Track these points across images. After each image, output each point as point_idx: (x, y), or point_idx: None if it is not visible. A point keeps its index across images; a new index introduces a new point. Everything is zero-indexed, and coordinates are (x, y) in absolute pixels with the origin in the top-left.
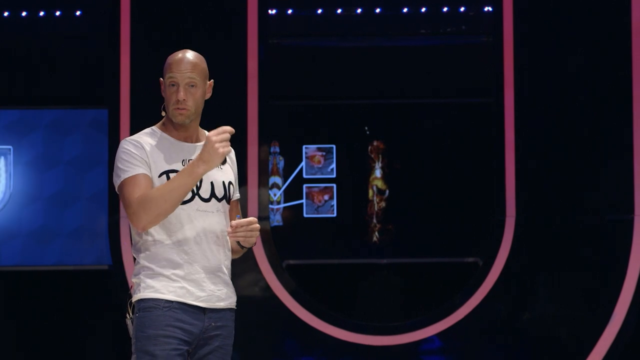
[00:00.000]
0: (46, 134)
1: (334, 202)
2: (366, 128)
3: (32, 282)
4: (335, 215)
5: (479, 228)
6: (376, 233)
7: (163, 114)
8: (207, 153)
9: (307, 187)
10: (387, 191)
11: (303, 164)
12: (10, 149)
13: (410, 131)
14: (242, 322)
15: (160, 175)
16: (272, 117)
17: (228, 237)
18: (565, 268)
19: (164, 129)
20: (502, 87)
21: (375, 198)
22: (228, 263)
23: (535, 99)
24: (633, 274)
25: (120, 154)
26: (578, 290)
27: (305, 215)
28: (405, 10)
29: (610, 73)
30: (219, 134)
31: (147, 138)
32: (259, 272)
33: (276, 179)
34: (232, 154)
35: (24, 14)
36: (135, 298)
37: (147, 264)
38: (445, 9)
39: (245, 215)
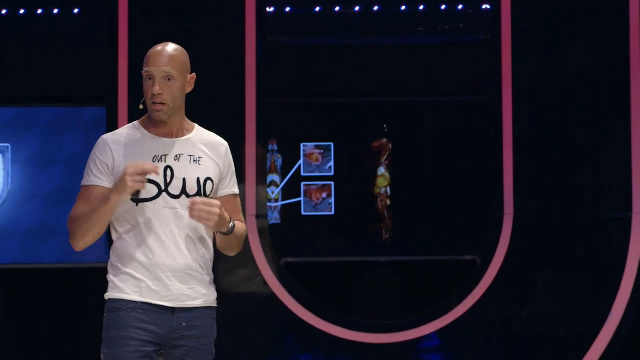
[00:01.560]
0: (44, 132)
1: (332, 200)
2: (385, 125)
3: (30, 280)
4: (333, 213)
5: (477, 226)
6: (375, 231)
7: (141, 107)
8: (120, 184)
9: (305, 185)
10: (386, 189)
11: (301, 161)
12: (8, 147)
13: (409, 129)
14: (240, 319)
15: None
16: (270, 114)
17: (206, 235)
18: (563, 266)
19: (144, 123)
20: (501, 85)
21: (373, 196)
22: (204, 261)
23: (533, 97)
24: (631, 272)
25: (91, 156)
26: (576, 288)
27: (303, 213)
28: (403, 8)
29: (608, 71)
30: (135, 167)
31: (123, 135)
32: (257, 269)
33: (274, 177)
34: (223, 147)
35: (22, 12)
36: (105, 297)
37: (115, 261)
38: (443, 7)
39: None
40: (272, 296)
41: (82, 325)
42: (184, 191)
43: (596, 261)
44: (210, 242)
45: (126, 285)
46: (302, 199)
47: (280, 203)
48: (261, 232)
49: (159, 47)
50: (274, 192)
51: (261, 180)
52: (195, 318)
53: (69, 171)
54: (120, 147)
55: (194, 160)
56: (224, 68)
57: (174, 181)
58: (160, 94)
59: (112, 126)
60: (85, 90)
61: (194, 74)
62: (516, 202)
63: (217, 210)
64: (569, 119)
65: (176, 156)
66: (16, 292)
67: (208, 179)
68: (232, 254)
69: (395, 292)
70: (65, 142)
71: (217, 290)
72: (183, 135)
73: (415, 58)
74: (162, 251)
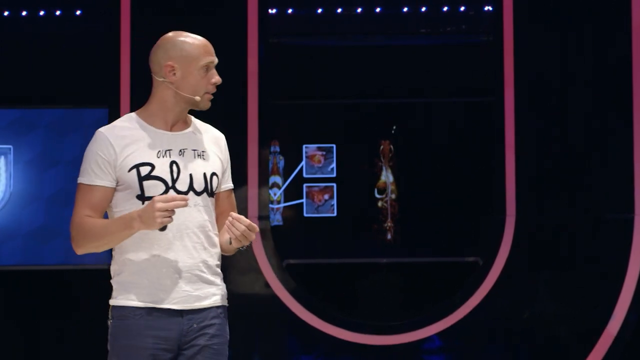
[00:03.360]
0: (46, 133)
1: (334, 201)
2: (394, 127)
3: (32, 282)
4: (335, 214)
5: (479, 227)
6: (377, 232)
7: (198, 98)
8: (147, 216)
9: (307, 187)
10: (388, 190)
11: (303, 163)
12: (10, 149)
13: (411, 130)
14: (242, 321)
15: (130, 170)
16: (272, 116)
17: (212, 233)
18: (565, 267)
19: (145, 117)
20: (502, 86)
21: (376, 197)
22: (212, 260)
23: (535, 98)
24: (633, 273)
25: (89, 151)
26: (578, 289)
27: (305, 214)
28: (405, 9)
29: (610, 72)
30: (166, 201)
31: (122, 129)
32: (259, 271)
33: (276, 179)
34: (223, 141)
35: (24, 13)
36: (110, 303)
37: (118, 264)
38: (445, 9)
39: (246, 215)
40: (274, 297)
41: (84, 327)
42: (191, 187)
43: (598, 262)
44: (217, 240)
45: (132, 291)
46: (304, 200)
47: (282, 205)
48: (263, 233)
49: (199, 37)
50: (276, 193)
51: (263, 181)
52: (205, 318)
53: (71, 173)
54: (122, 142)
55: (198, 155)
56: (226, 69)
57: (180, 177)
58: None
59: None
60: (87, 91)
61: None
62: (518, 203)
63: (253, 237)
64: (571, 119)
65: (180, 150)
66: (18, 293)
67: (214, 174)
68: (225, 254)
69: (397, 294)
70: (67, 144)
71: None
72: (184, 128)
73: (418, 59)
74: (169, 251)
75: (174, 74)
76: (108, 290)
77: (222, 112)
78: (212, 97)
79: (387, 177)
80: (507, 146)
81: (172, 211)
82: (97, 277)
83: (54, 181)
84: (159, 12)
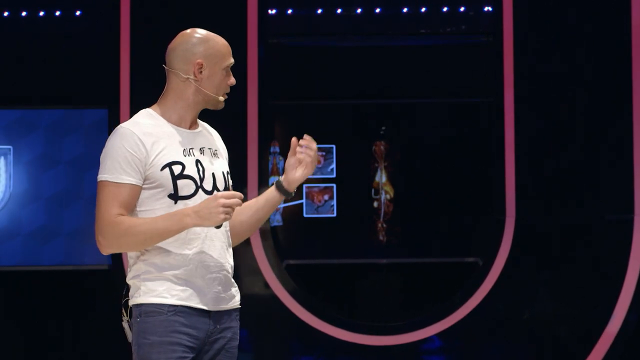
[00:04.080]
0: (46, 133)
1: (334, 202)
2: (383, 128)
3: (31, 283)
4: (335, 215)
5: (479, 228)
6: (376, 233)
7: (223, 99)
8: (208, 212)
9: (307, 187)
10: (388, 191)
11: None
12: (10, 149)
13: (411, 131)
14: (242, 321)
15: (162, 169)
16: (271, 116)
17: (229, 234)
18: (565, 268)
19: (164, 113)
20: (502, 86)
21: (375, 198)
22: (232, 261)
23: (535, 99)
24: (633, 273)
25: (114, 147)
26: (578, 289)
27: (305, 215)
28: (405, 10)
29: (610, 72)
30: (229, 197)
31: (148, 126)
32: (259, 271)
33: (276, 179)
34: (221, 140)
35: (23, 14)
36: (134, 302)
37: (146, 265)
38: (445, 9)
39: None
40: (274, 298)
41: (84, 327)
42: (215, 186)
43: (598, 263)
44: (230, 242)
45: (164, 288)
46: (304, 201)
47: (282, 205)
48: (263, 234)
49: (220, 38)
50: None
51: (263, 182)
52: (226, 320)
53: (71, 173)
54: (150, 140)
55: (213, 154)
56: None
57: (206, 175)
58: None
59: (114, 128)
60: (87, 92)
61: None
62: (518, 204)
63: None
64: (570, 120)
65: (200, 149)
66: (18, 294)
67: (228, 172)
68: (250, 234)
69: (397, 294)
70: (67, 144)
71: None
72: (197, 126)
73: (417, 60)
74: (200, 252)
75: (201, 72)
76: (107, 291)
77: (222, 112)
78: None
79: (380, 177)
80: (507, 147)
81: (233, 208)
82: (96, 277)
83: (53, 182)
84: (159, 13)
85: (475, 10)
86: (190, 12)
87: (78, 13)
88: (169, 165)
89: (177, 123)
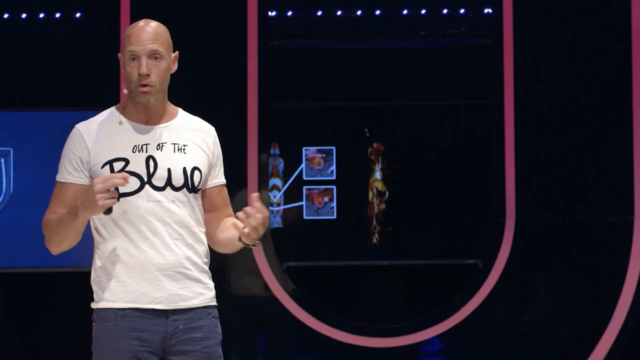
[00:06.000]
0: (46, 135)
1: (334, 204)
2: (366, 130)
3: (31, 284)
4: (335, 217)
5: (479, 230)
6: (376, 235)
7: (125, 91)
8: (87, 200)
9: (307, 189)
10: (387, 193)
11: (303, 165)
12: (9, 151)
13: (410, 133)
14: (242, 323)
15: (103, 166)
16: (272, 118)
17: (196, 229)
18: (565, 269)
19: (123, 110)
20: (502, 88)
21: (375, 200)
22: (198, 257)
23: (535, 101)
24: (633, 275)
25: (64, 148)
26: (578, 291)
27: (305, 217)
28: (405, 12)
29: (610, 74)
30: (104, 181)
31: (99, 123)
32: (259, 273)
33: (276, 181)
34: (211, 135)
35: (23, 16)
36: (92, 306)
37: (98, 265)
38: (445, 11)
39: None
40: (274, 300)
41: (84, 330)
42: (169, 182)
43: (598, 265)
44: (202, 236)
45: (112, 291)
46: (304, 202)
47: (282, 207)
48: (263, 236)
49: (140, 23)
50: (276, 196)
51: (263, 184)
52: (193, 319)
53: None
54: (96, 138)
55: (179, 149)
56: (225, 72)
57: (157, 172)
58: (148, 74)
59: None
60: (87, 94)
61: (177, 52)
62: (518, 206)
63: (262, 231)
64: (570, 122)
65: (159, 145)
66: (18, 296)
67: (195, 168)
68: (227, 250)
69: (396, 296)
70: None
71: (219, 294)
72: (166, 121)
73: (417, 62)
74: (148, 248)
75: (122, 65)
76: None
77: (222, 114)
78: (146, 89)
79: (386, 179)
80: (506, 149)
81: (114, 192)
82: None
83: (53, 184)
84: (159, 15)
85: (475, 12)
86: (190, 14)
87: (78, 15)
88: (110, 162)
89: (135, 119)
